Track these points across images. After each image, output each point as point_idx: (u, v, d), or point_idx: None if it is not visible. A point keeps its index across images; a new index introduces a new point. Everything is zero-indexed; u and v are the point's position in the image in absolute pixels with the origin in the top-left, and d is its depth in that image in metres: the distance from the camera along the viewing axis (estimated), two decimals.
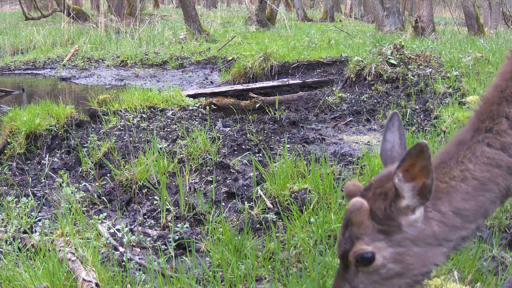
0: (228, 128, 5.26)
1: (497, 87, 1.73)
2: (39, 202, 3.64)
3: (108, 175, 3.99)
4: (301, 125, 5.70)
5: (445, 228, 1.57)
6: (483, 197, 1.59)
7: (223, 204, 3.52)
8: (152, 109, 5.75)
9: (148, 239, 3.05)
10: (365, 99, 6.50)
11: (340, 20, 22.67)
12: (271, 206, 3.41)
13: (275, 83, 8.02)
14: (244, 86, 7.85)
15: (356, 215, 1.51)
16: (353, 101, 6.53)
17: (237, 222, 3.22)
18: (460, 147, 1.66)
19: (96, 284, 2.42)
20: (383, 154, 1.77)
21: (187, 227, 3.16)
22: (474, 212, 1.60)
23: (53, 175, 4.12)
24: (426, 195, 1.51)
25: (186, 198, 3.47)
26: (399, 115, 1.83)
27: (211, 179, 3.85)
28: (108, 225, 3.22)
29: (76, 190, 3.60)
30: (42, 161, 4.41)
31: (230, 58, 10.05)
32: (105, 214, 3.38)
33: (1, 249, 2.86)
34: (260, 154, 4.40)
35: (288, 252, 2.78)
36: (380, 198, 1.55)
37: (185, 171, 3.93)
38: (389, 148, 1.77)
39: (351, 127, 5.74)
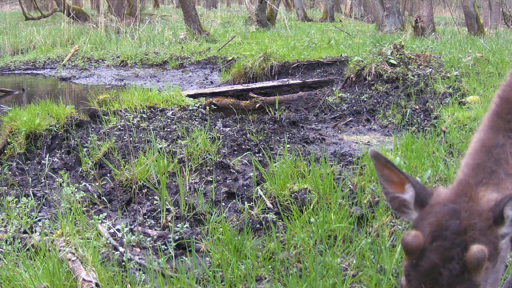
0: (228, 128, 5.26)
1: None
2: (39, 202, 3.65)
3: (108, 175, 4.00)
4: (301, 125, 5.70)
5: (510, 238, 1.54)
6: None
7: (223, 204, 3.52)
8: (152, 109, 5.75)
9: (148, 239, 3.05)
10: (365, 99, 6.50)
11: (340, 20, 22.67)
12: (271, 206, 3.41)
13: (275, 83, 8.02)
14: (244, 86, 7.85)
15: (483, 264, 1.33)
16: (353, 101, 6.53)
17: (237, 222, 3.22)
18: (499, 152, 1.60)
19: (96, 284, 2.42)
20: (418, 187, 1.54)
21: (187, 227, 3.16)
22: None
23: (53, 175, 4.12)
24: None
25: (186, 198, 3.47)
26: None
27: (211, 179, 3.85)
28: (108, 225, 3.22)
29: (76, 190, 3.60)
30: (42, 161, 4.41)
31: (230, 58, 10.05)
32: (105, 214, 3.38)
33: (1, 249, 2.86)
34: (260, 154, 4.40)
35: (288, 252, 2.78)
36: (488, 232, 1.40)
37: (185, 171, 3.93)
38: (415, 180, 1.58)
39: (351, 127, 5.74)
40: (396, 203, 1.57)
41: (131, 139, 4.56)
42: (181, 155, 4.16)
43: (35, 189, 3.91)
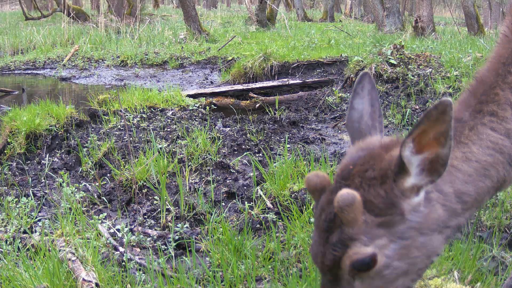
0: (228, 128, 5.26)
1: (494, 70, 1.60)
2: (39, 202, 3.65)
3: (108, 175, 4.00)
4: (301, 125, 5.70)
5: (446, 213, 1.38)
6: (482, 183, 1.46)
7: (223, 204, 3.52)
8: (152, 109, 5.75)
9: (148, 239, 3.05)
10: None
11: (340, 20, 22.67)
12: (271, 206, 3.41)
13: (275, 83, 8.02)
14: (244, 86, 7.85)
15: (349, 211, 1.20)
16: None
17: (237, 222, 3.22)
18: (458, 126, 1.50)
19: (96, 284, 2.42)
20: (349, 126, 1.49)
21: (187, 227, 3.16)
22: (473, 198, 1.45)
23: (53, 175, 4.12)
24: (439, 169, 1.26)
25: (186, 198, 3.47)
26: (371, 75, 1.53)
27: (211, 179, 3.85)
28: (108, 225, 3.22)
29: (76, 190, 3.60)
30: (42, 161, 4.41)
31: (230, 58, 10.04)
32: (105, 214, 3.38)
33: (1, 249, 2.86)
34: (260, 154, 4.40)
35: (288, 252, 2.78)
36: (375, 182, 1.26)
37: (185, 171, 3.93)
38: (357, 119, 1.48)
39: None
40: None
41: (131, 139, 4.56)
42: (181, 155, 4.16)
43: (35, 189, 3.91)
